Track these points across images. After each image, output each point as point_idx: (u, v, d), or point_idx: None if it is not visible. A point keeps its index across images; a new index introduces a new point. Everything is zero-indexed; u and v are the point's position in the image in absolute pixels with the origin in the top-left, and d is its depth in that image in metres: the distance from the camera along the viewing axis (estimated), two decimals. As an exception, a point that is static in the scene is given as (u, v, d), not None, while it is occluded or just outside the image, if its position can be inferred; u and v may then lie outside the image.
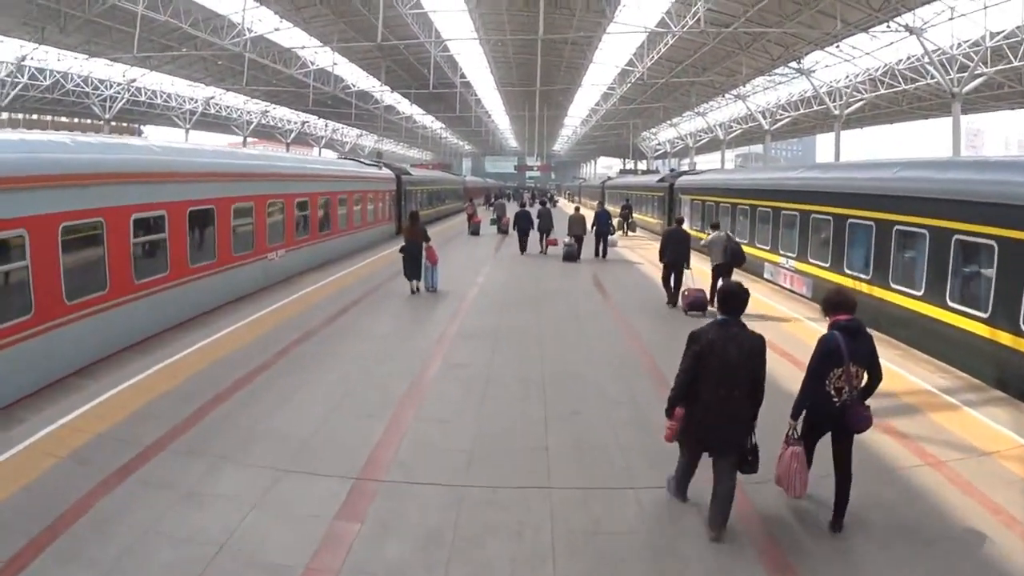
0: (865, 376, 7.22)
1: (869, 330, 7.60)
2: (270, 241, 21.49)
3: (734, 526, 7.23)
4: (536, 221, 31.68)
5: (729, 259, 18.71)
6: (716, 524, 7.07)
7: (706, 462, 7.35)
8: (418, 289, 20.19)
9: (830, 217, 19.45)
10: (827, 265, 19.50)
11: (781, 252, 23.03)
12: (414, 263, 20.13)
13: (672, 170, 62.89)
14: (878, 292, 16.82)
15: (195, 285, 16.80)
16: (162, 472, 8.14)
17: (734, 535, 7.14)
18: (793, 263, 21.87)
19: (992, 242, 12.90)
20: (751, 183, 27.84)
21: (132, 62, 52.96)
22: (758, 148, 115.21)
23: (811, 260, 20.60)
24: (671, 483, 7.80)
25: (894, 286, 16.22)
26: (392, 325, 16.32)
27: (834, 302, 7.47)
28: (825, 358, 7.08)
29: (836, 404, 7.10)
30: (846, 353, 7.02)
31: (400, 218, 38.65)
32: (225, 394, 10.90)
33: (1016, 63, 40.57)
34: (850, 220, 18.37)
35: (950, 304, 14.13)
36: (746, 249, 24.94)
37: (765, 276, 24.13)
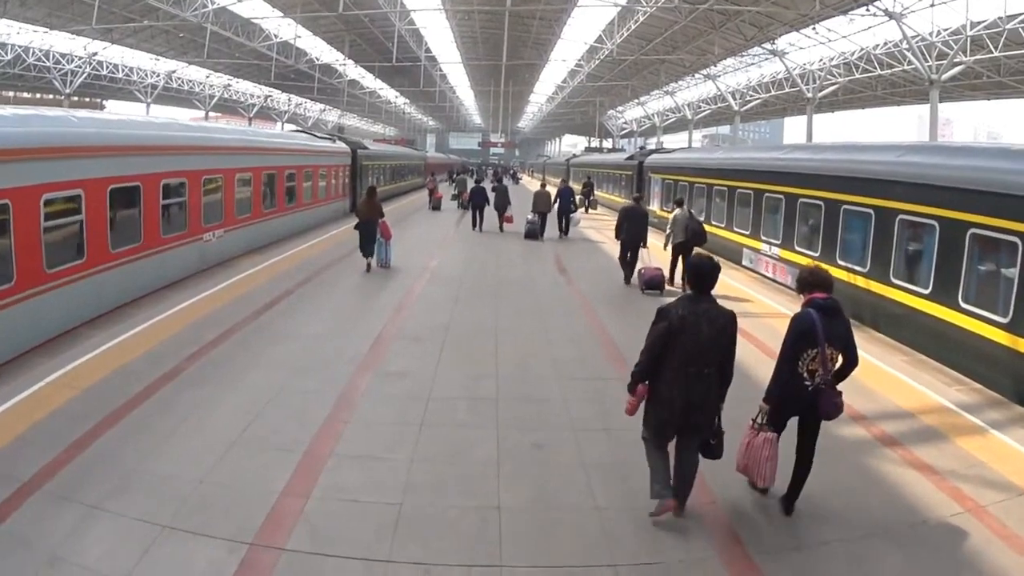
0: (840, 359, 6.77)
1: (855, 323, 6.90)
2: (206, 221, 19.14)
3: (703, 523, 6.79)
4: (492, 197, 30.64)
5: (690, 238, 17.91)
6: (681, 498, 6.83)
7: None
8: (376, 265, 19.57)
9: (821, 202, 17.59)
10: (816, 255, 17.60)
11: (763, 238, 21.09)
12: (370, 239, 19.43)
13: (641, 148, 60.81)
14: (876, 288, 15.07)
15: (117, 272, 14.61)
16: (30, 523, 6.32)
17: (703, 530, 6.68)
18: (777, 251, 19.93)
19: (1016, 239, 11.19)
20: (731, 163, 25.69)
21: (94, 35, 51.53)
22: (725, 129, 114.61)
23: (798, 248, 18.70)
24: (653, 486, 6.79)
25: (896, 282, 14.46)
26: (326, 320, 13.87)
27: (809, 280, 7.01)
28: (799, 338, 6.63)
29: (808, 388, 6.64)
30: (821, 334, 6.55)
31: (355, 194, 36.26)
32: (117, 415, 8.72)
33: (996, 53, 40.04)
34: (845, 206, 16.53)
35: (963, 305, 12.41)
36: (723, 234, 23.66)
37: (744, 263, 22.19)
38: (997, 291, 11.83)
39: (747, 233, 22.25)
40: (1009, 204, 11.34)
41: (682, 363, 6.41)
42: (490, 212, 30.55)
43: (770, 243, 20.48)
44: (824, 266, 15.65)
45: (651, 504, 6.66)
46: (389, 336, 12.78)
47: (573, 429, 8.83)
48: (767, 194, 20.85)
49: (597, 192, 49.09)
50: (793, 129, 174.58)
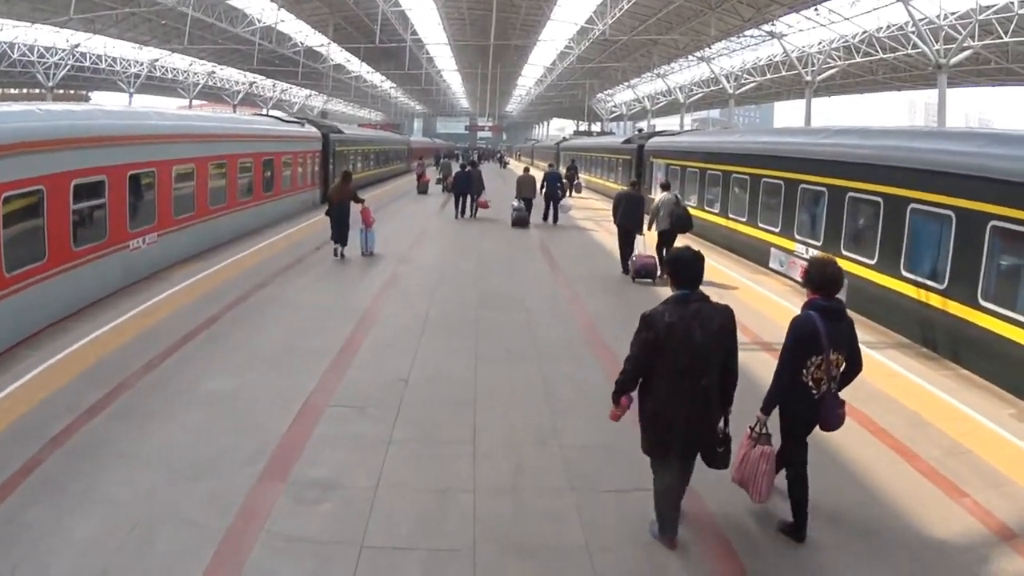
0: (843, 364, 5.85)
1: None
2: (134, 224, 15.18)
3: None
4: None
5: (674, 223, 16.65)
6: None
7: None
8: (342, 256, 18.01)
9: (879, 199, 13.83)
10: (873, 262, 13.96)
11: (799, 237, 17.22)
12: (340, 226, 18.12)
13: (639, 130, 56.70)
14: (957, 309, 11.54)
15: (14, 301, 11.09)
16: None
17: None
18: (817, 254, 15.88)
19: None
20: (755, 148, 21.17)
21: (77, 27, 50.23)
22: (715, 113, 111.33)
23: (846, 253, 14.88)
24: (653, 524, 5.94)
25: (985, 304, 10.92)
26: (244, 370, 9.60)
27: (818, 279, 5.90)
28: (801, 344, 5.68)
29: (815, 397, 5.75)
30: (825, 339, 5.63)
31: (327, 183, 31.88)
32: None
33: (1006, 39, 38.67)
34: (913, 205, 12.82)
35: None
36: (746, 230, 20.09)
37: (771, 265, 18.29)
38: None
39: (777, 231, 18.33)
40: None
41: (676, 375, 5.45)
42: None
43: (808, 244, 16.60)
44: (886, 278, 12.98)
45: None
46: (321, 402, 8.52)
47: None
48: (804, 186, 16.95)
49: (589, 178, 46.19)
50: (784, 114, 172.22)
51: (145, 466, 6.85)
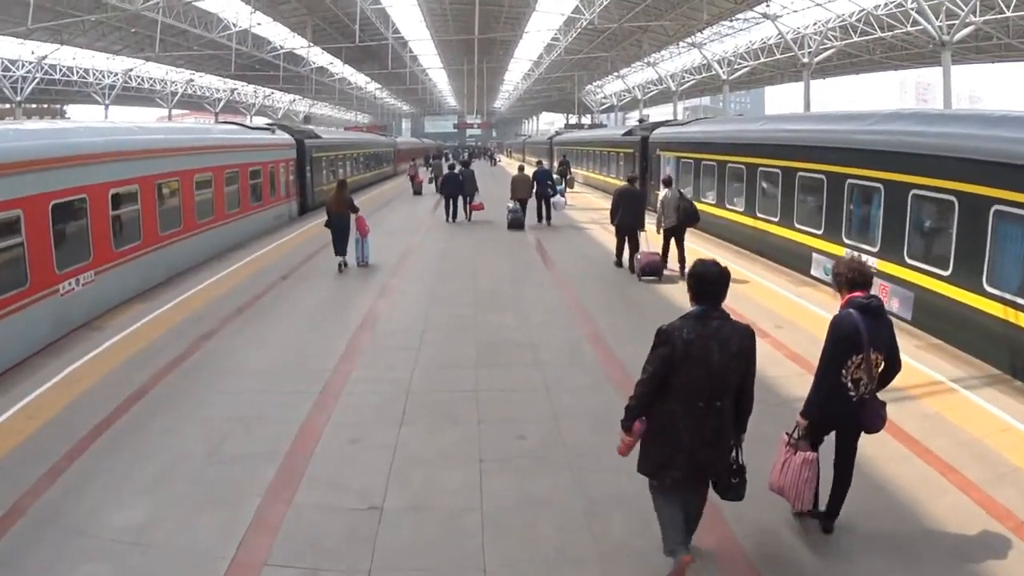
0: (882, 364, 5.61)
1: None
2: (62, 264, 12.45)
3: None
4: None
5: (682, 219, 16.09)
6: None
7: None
8: (345, 265, 17.50)
9: (953, 198, 11.27)
10: (947, 274, 11.45)
11: (847, 241, 14.49)
12: (341, 236, 17.55)
13: (640, 120, 53.96)
14: None
15: None
16: None
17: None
18: (873, 261, 13.15)
19: None
20: (792, 137, 17.92)
21: (43, 37, 47.94)
22: (706, 101, 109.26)
23: (911, 261, 12.40)
24: (666, 541, 5.25)
25: None
26: (156, 499, 6.50)
27: (849, 278, 5.66)
28: (842, 343, 5.45)
29: (853, 399, 5.49)
30: (866, 337, 5.37)
31: (304, 193, 29.87)
32: None
33: (1008, 13, 37.93)
34: (997, 207, 10.35)
35: None
36: (781, 232, 17.50)
37: (814, 273, 15.65)
38: None
39: (819, 233, 15.65)
40: None
41: (689, 395, 4.94)
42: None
43: (860, 250, 13.72)
44: (967, 295, 10.94)
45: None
46: (255, 559, 5.54)
47: None
48: (853, 180, 14.30)
49: (587, 173, 44.46)
50: (775, 99, 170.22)
51: None
